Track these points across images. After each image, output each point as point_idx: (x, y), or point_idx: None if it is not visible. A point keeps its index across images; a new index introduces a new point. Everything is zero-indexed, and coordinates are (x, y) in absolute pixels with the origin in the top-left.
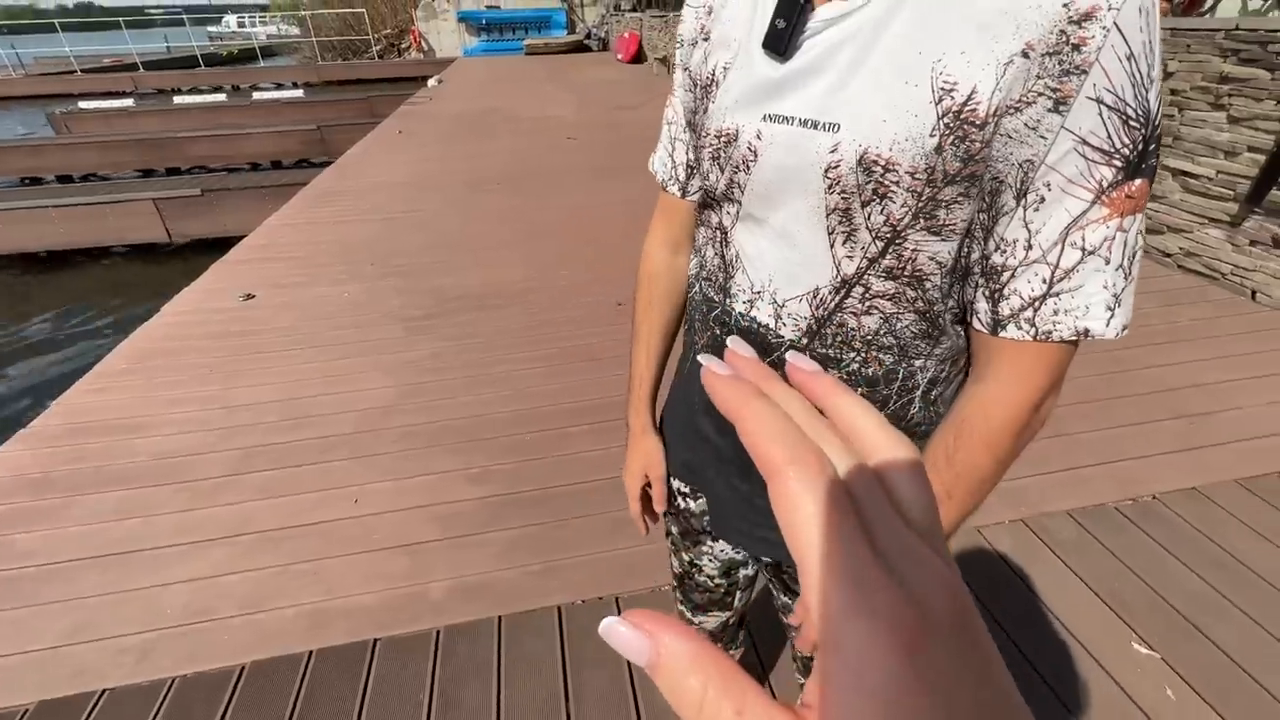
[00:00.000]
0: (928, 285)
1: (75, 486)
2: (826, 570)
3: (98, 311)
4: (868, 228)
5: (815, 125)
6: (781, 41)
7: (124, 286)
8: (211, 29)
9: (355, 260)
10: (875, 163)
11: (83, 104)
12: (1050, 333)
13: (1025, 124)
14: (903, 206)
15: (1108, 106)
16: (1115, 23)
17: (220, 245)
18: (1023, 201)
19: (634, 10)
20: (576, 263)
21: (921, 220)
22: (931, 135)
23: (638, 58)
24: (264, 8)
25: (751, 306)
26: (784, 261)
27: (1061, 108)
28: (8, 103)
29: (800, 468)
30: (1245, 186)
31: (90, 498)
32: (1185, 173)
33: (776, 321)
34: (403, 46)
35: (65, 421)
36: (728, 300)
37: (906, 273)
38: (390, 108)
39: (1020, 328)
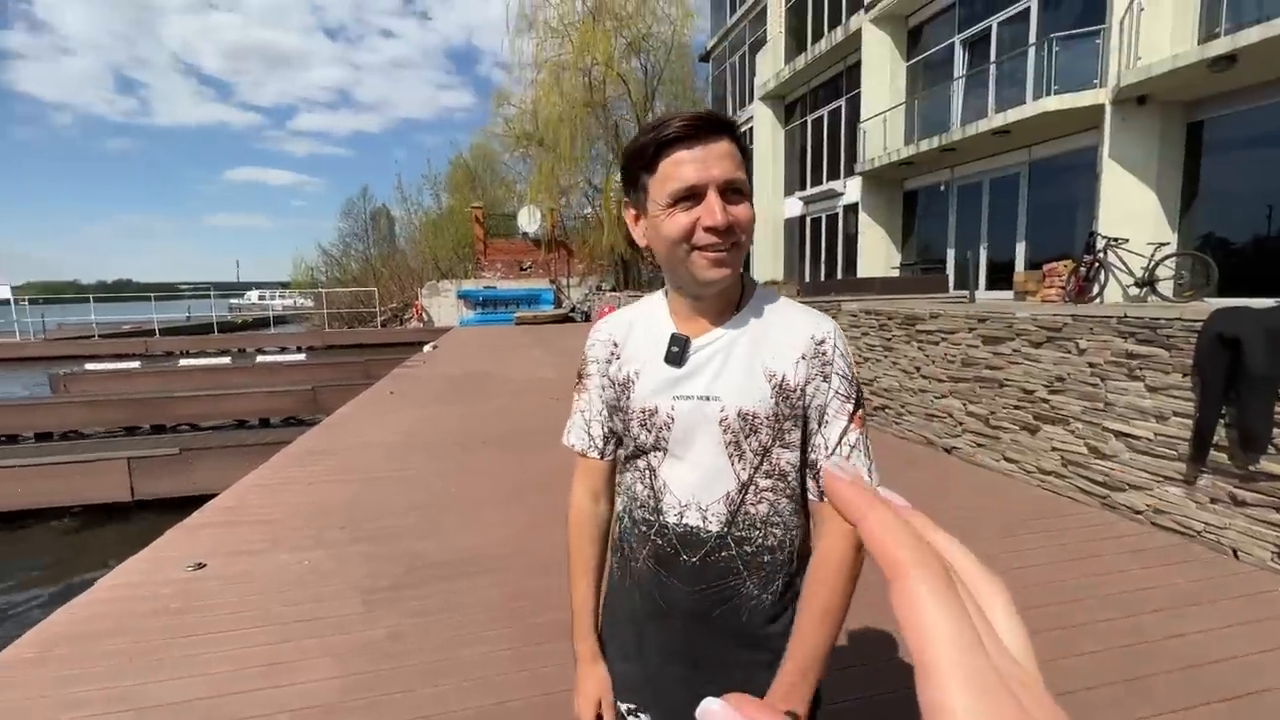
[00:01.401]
0: (790, 478)
1: None
2: (954, 675)
3: (31, 578)
4: (750, 449)
5: (707, 399)
6: (677, 359)
7: (75, 549)
8: (233, 300)
9: (325, 524)
10: (746, 414)
11: (89, 365)
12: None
13: (814, 388)
14: (766, 434)
15: (840, 376)
16: (835, 344)
17: (193, 504)
18: (820, 424)
19: (614, 290)
20: (557, 525)
21: (778, 441)
22: (771, 398)
23: None
24: (285, 285)
25: (682, 516)
26: (702, 480)
27: (826, 379)
28: (17, 365)
29: (927, 572)
30: (1185, 448)
31: None
32: (1125, 434)
33: (704, 521)
34: (405, 317)
35: None
36: (661, 517)
37: (776, 472)
38: (386, 370)
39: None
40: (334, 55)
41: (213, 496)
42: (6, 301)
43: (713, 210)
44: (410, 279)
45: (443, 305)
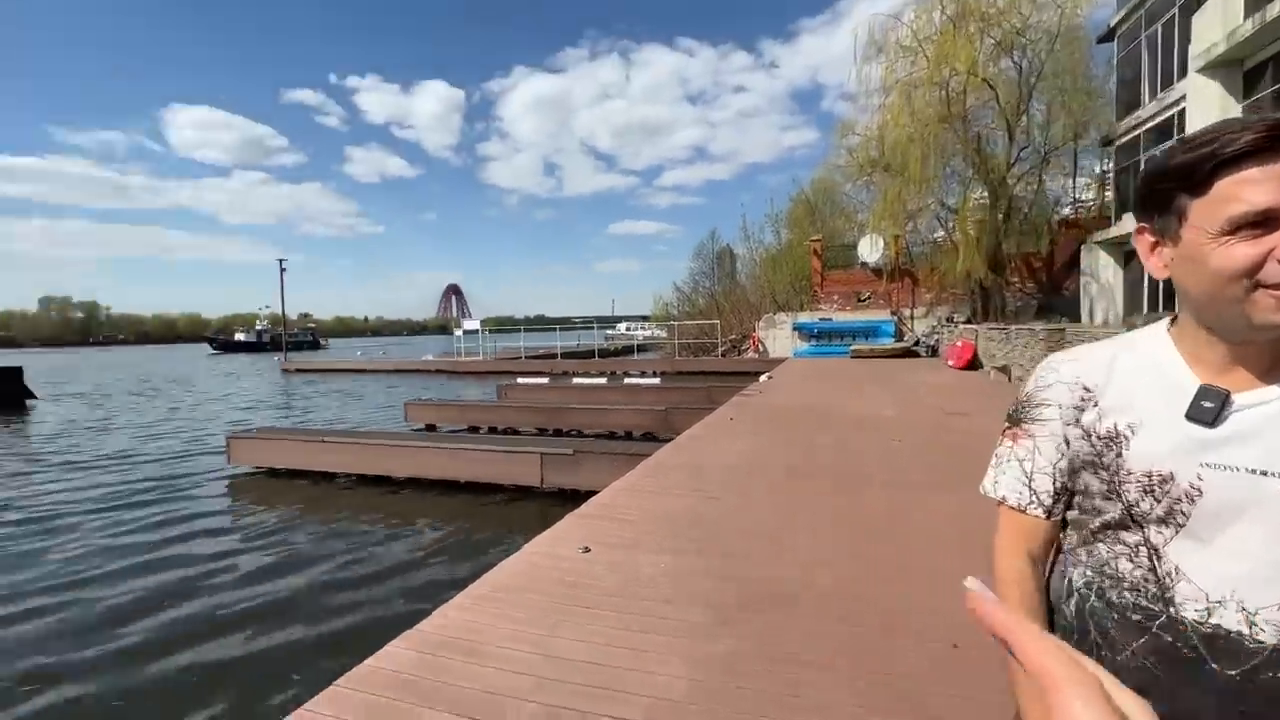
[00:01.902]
0: None
1: (423, 697)
2: None
3: (484, 535)
4: None
5: (1265, 473)
6: (1208, 418)
7: (506, 517)
8: (608, 331)
9: (674, 532)
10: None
11: (519, 380)
12: None
13: None
14: None
15: None
16: None
17: (582, 496)
18: None
19: (968, 322)
20: (901, 579)
21: None
22: None
23: (971, 364)
24: (646, 318)
25: (1210, 614)
26: (1251, 575)
27: None
28: (481, 376)
29: (1083, 688)
30: None
31: (428, 714)
32: None
33: (1250, 627)
34: (742, 348)
35: (436, 630)
36: (1171, 609)
37: None
38: (726, 396)
39: None
40: (694, 118)
41: (595, 493)
42: (476, 331)
43: (1273, 245)
44: (748, 312)
45: (778, 337)
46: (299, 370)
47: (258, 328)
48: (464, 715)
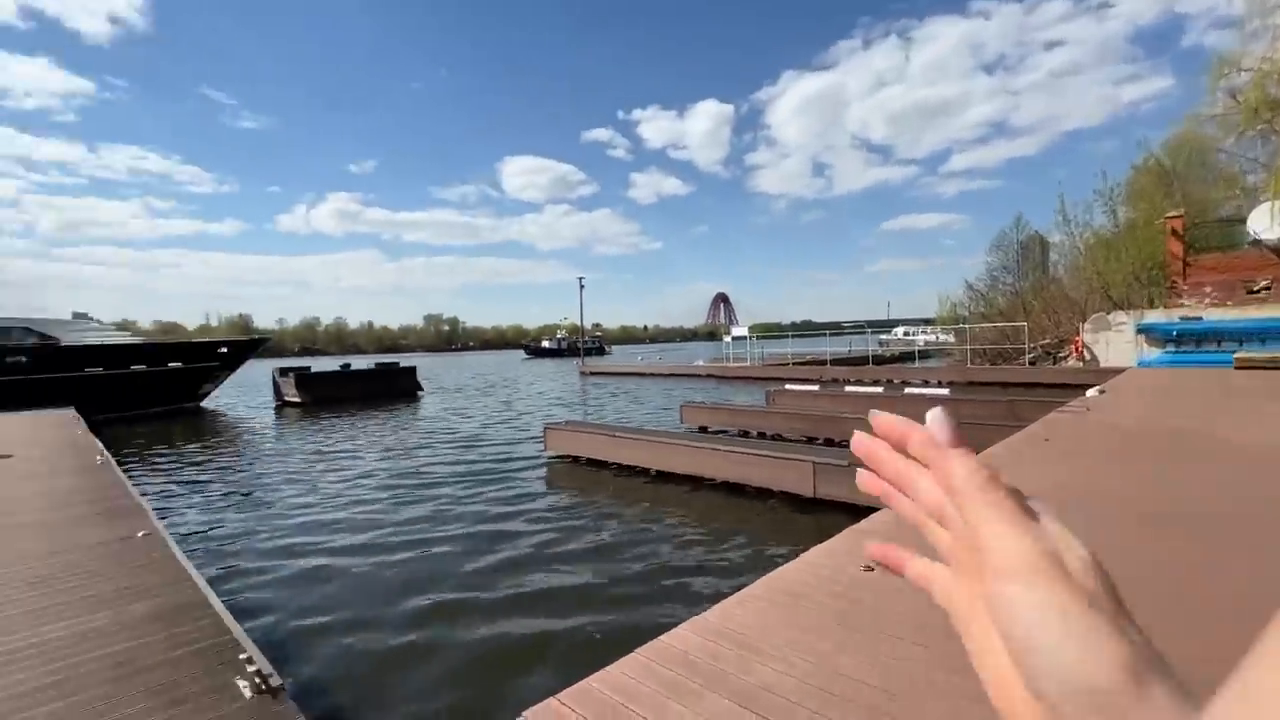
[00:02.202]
0: None
1: (706, 679)
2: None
3: (741, 533)
4: None
5: None
6: None
7: (776, 523)
8: (882, 336)
9: None
10: None
11: (787, 385)
12: None
13: None
14: None
15: None
16: None
17: (858, 510)
18: None
19: None
20: None
21: None
22: None
23: None
24: (929, 321)
25: None
26: None
27: None
28: (749, 382)
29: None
30: None
31: (710, 696)
32: None
33: None
34: (1060, 355)
35: (719, 621)
36: None
37: None
38: (1034, 413)
39: None
40: (989, 90)
41: (872, 509)
42: (744, 337)
43: None
44: (1067, 311)
45: (1113, 342)
46: (593, 373)
47: (558, 336)
48: (742, 704)
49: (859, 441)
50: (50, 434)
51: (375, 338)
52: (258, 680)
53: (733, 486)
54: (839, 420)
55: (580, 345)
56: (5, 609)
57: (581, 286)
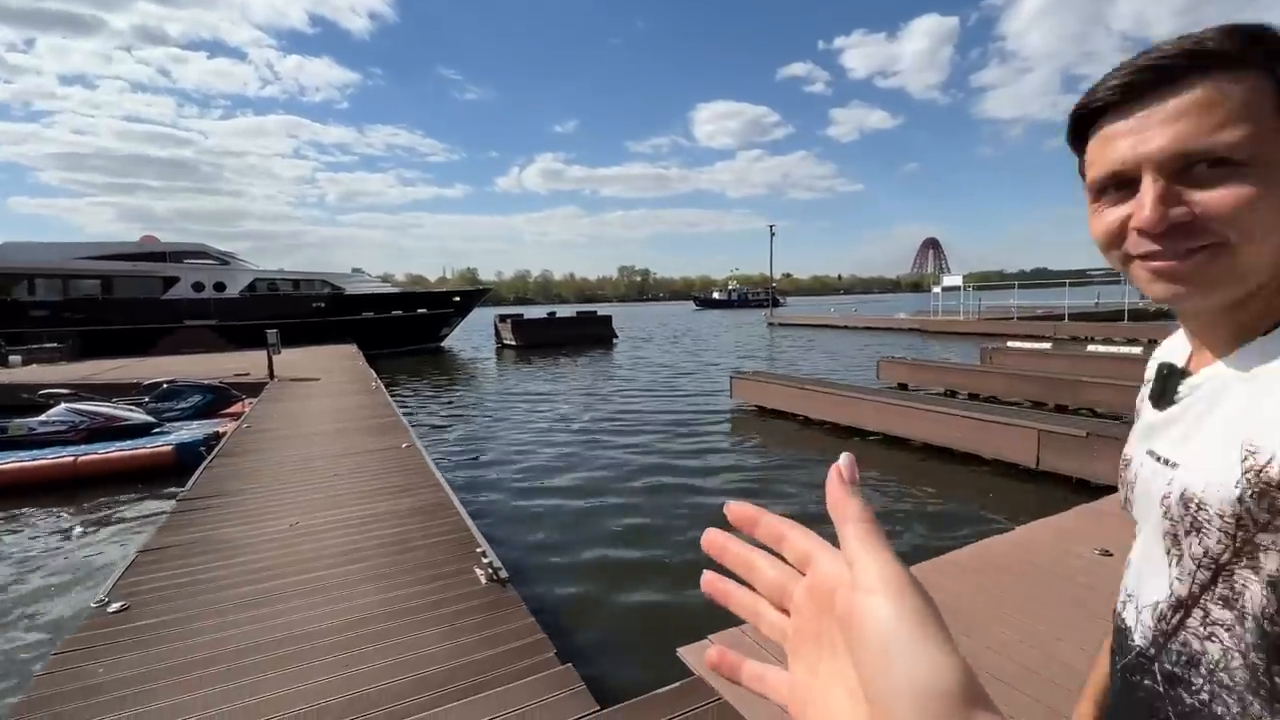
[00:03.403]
0: (1252, 628)
1: None
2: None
3: (940, 498)
4: (1190, 554)
5: (1166, 463)
6: (1159, 398)
7: (979, 492)
8: None
9: None
10: (1190, 500)
11: (1010, 343)
12: None
13: None
14: (1216, 541)
15: None
16: None
17: (1089, 488)
18: None
19: None
20: None
21: (1240, 559)
22: (1235, 487)
23: None
24: None
25: (1124, 607)
26: (1140, 572)
27: None
28: (961, 338)
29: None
30: None
31: None
32: None
33: (1135, 625)
34: None
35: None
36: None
37: (1239, 606)
38: None
39: None
40: None
41: (1114, 488)
42: (957, 288)
43: (1142, 203)
44: None
45: None
46: (782, 324)
47: (729, 288)
48: None
49: (709, 537)
50: (341, 363)
51: (576, 288)
52: (491, 571)
53: (935, 449)
54: (1077, 385)
55: (750, 296)
56: (316, 493)
57: (772, 234)
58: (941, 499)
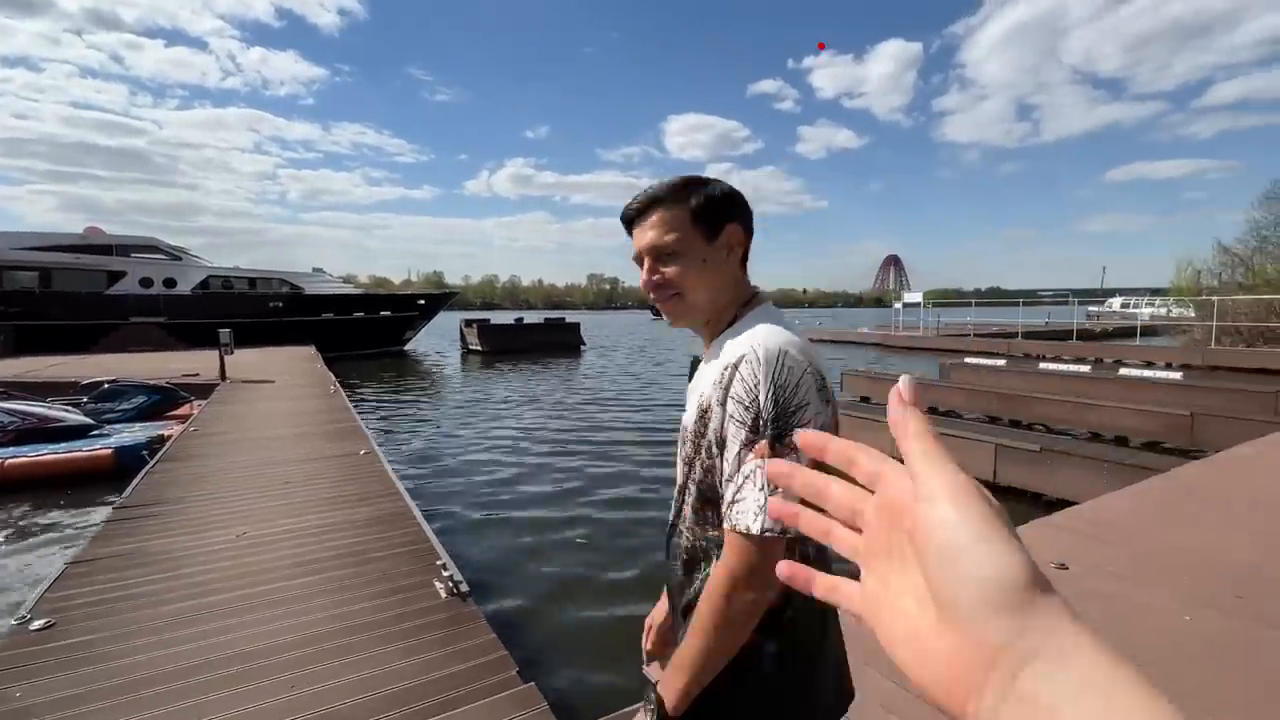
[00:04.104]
0: (694, 489)
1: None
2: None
3: None
4: (683, 459)
5: (684, 410)
6: (690, 376)
7: None
8: (1091, 308)
9: (1210, 581)
10: (685, 427)
11: (967, 359)
12: (735, 524)
13: (715, 413)
14: (691, 448)
15: (736, 401)
16: (743, 368)
17: (1043, 501)
18: (722, 450)
19: None
20: None
21: (700, 457)
22: (695, 415)
23: None
24: (1158, 291)
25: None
26: (676, 476)
27: (722, 404)
28: (920, 353)
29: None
30: None
31: None
32: None
33: (671, 505)
34: None
35: None
36: None
37: (706, 484)
38: None
39: (727, 519)
40: None
41: (1068, 502)
42: (917, 304)
43: (643, 275)
44: None
45: None
46: None
47: None
48: (911, 704)
49: (774, 468)
50: (298, 365)
51: (544, 294)
52: (451, 584)
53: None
54: (1030, 401)
55: None
56: (267, 501)
57: None
58: None
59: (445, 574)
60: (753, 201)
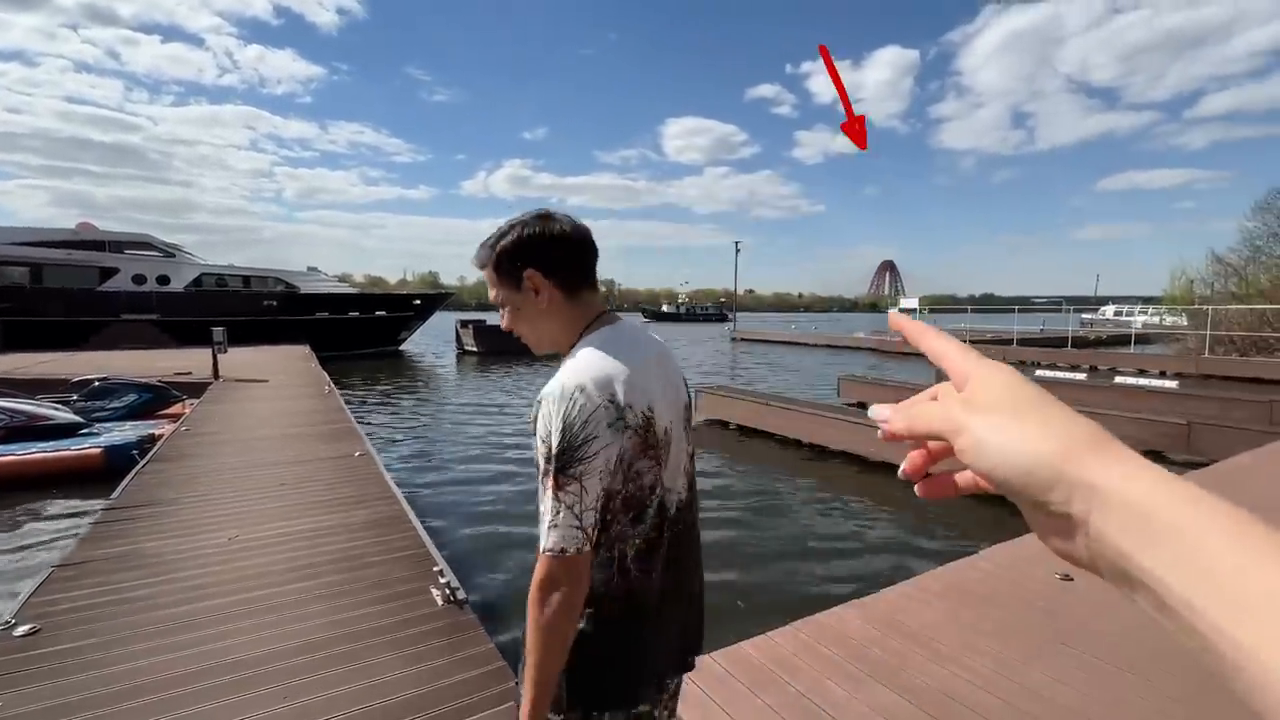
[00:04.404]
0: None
1: (871, 667)
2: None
3: (906, 518)
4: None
5: None
6: None
7: (946, 512)
8: (1085, 315)
9: None
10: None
11: None
12: (539, 543)
13: (535, 444)
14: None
15: (537, 436)
16: (541, 407)
17: None
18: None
19: None
20: None
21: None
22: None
23: None
24: (1152, 299)
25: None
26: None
27: (532, 435)
28: (920, 359)
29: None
30: None
31: (876, 687)
32: None
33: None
34: None
35: (886, 610)
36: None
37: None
38: None
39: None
40: (1273, 8)
41: None
42: (914, 310)
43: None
44: None
45: None
46: (743, 339)
47: (678, 302)
48: (916, 704)
49: (877, 411)
50: (292, 365)
51: None
52: (448, 591)
53: (893, 468)
54: None
55: (699, 311)
56: (261, 503)
57: (738, 250)
58: (908, 519)
59: (442, 580)
60: (749, 205)
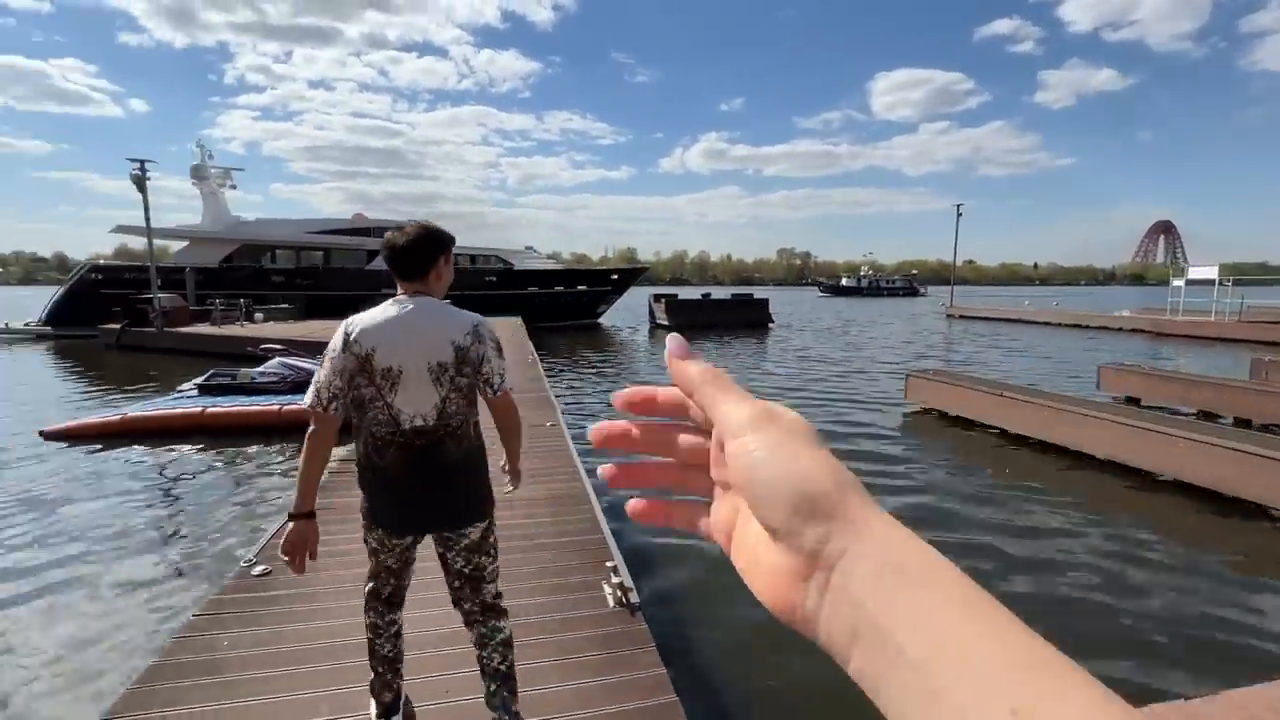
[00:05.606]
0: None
1: None
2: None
3: (1200, 555)
4: None
5: None
6: None
7: (1254, 552)
8: None
9: None
10: None
11: None
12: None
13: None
14: None
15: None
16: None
17: None
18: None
19: None
20: None
21: None
22: None
23: None
24: None
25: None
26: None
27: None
28: (1215, 344)
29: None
30: None
31: None
32: None
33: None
34: None
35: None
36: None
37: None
38: None
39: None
40: None
41: None
42: (1211, 281)
43: None
44: None
45: None
46: (963, 316)
47: (861, 274)
48: None
49: (601, 432)
50: (504, 335)
51: (732, 269)
52: (619, 593)
53: (1191, 489)
54: None
55: (884, 284)
56: None
57: (959, 215)
58: (1209, 564)
59: (615, 580)
60: (973, 164)
